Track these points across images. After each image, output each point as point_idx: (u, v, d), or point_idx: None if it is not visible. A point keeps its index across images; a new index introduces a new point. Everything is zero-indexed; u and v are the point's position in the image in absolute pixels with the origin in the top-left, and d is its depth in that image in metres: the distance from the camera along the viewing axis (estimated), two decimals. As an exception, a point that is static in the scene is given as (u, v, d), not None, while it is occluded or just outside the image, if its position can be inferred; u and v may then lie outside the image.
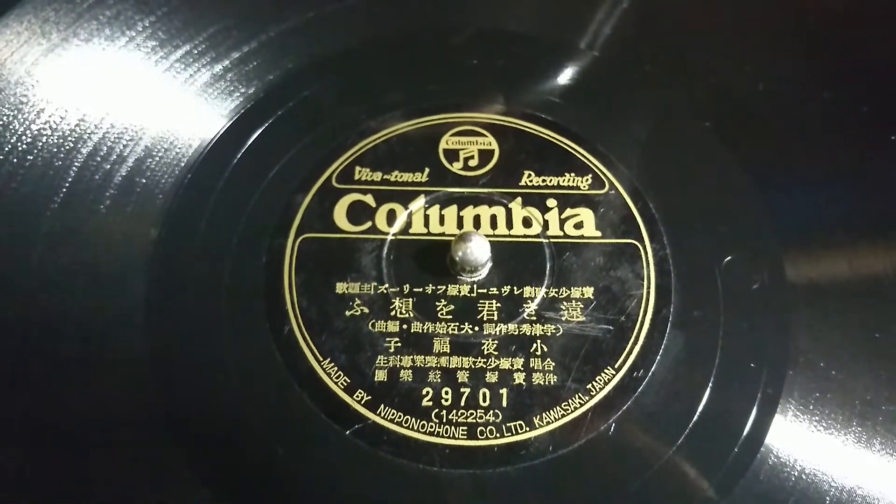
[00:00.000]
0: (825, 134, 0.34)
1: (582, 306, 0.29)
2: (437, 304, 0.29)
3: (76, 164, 0.31)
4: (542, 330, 0.28)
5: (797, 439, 0.26)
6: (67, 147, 0.31)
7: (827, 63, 0.36)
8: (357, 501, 0.26)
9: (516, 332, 0.28)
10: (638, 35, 0.37)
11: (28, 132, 0.32)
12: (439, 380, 0.27)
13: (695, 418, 0.27)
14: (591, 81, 0.35)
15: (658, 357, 0.28)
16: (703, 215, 0.31)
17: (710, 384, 0.27)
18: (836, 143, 0.33)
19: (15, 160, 0.31)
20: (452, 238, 0.29)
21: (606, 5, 0.37)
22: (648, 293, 0.29)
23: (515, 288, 0.29)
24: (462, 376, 0.27)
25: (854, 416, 0.27)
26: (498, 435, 0.26)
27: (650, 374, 0.27)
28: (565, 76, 0.35)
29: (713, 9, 0.38)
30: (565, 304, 0.29)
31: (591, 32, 0.37)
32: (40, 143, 0.31)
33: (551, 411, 0.27)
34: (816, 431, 0.27)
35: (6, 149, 0.31)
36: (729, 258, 0.30)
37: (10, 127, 0.32)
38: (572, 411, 0.27)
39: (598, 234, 0.30)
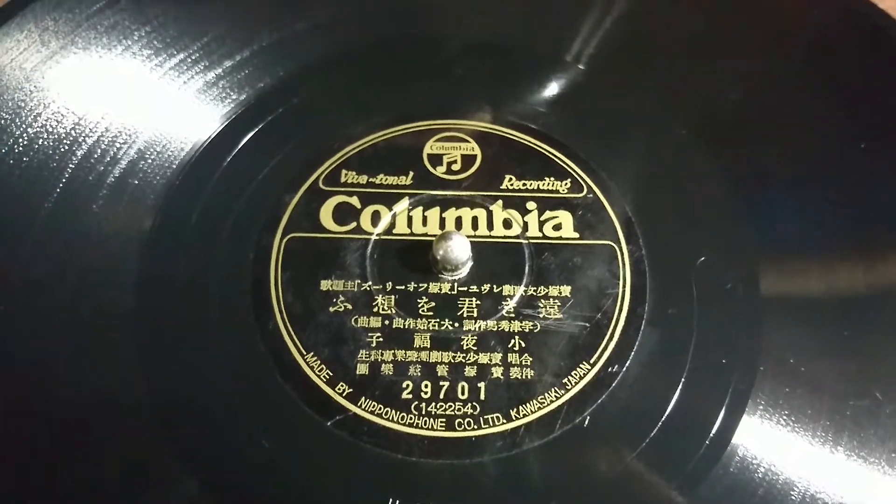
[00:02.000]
0: (799, 141, 0.35)
1: (559, 304, 0.30)
2: (418, 301, 0.30)
3: (70, 165, 0.32)
4: (521, 326, 0.29)
5: (767, 433, 0.27)
6: (63, 150, 0.32)
7: (803, 72, 0.37)
8: (337, 491, 0.26)
9: (495, 329, 0.29)
10: (621, 48, 0.38)
11: (25, 135, 0.33)
12: (419, 373, 0.28)
13: (667, 412, 0.27)
14: (573, 91, 0.37)
15: (632, 353, 0.28)
16: (678, 218, 0.32)
17: (683, 379, 0.28)
18: (809, 150, 0.34)
19: (11, 161, 0.32)
20: (434, 238, 0.30)
21: (591, 21, 0.39)
22: (624, 292, 0.30)
23: (495, 286, 0.30)
24: (441, 370, 0.28)
25: (823, 410, 0.27)
26: (476, 427, 0.27)
27: (624, 369, 0.28)
28: (549, 86, 0.36)
29: (691, 26, 0.39)
30: (543, 301, 0.30)
31: (577, 46, 0.38)
32: (36, 146, 0.32)
33: (528, 404, 0.27)
34: (786, 425, 0.27)
35: (3, 150, 0.32)
36: (703, 258, 0.30)
37: (8, 130, 0.33)
38: (548, 404, 0.27)
39: (577, 235, 0.31)
